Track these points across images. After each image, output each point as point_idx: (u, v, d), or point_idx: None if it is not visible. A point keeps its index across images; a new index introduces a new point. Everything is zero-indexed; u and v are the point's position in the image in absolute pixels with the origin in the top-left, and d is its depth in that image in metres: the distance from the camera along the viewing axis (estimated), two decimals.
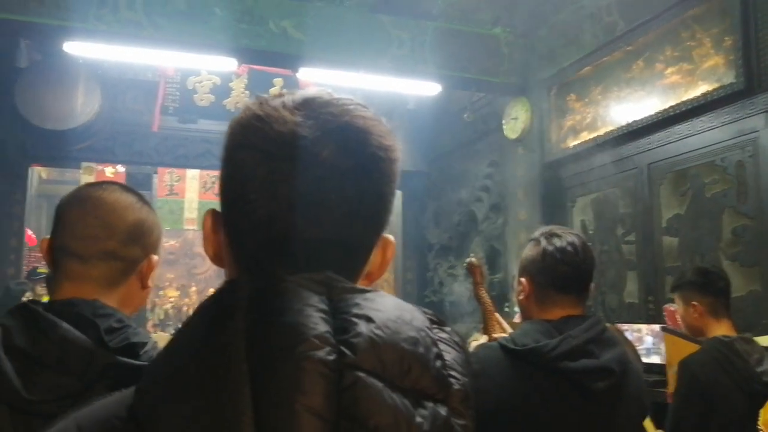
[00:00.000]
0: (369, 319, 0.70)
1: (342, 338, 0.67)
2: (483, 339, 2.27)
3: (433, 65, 6.18)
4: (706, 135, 4.77)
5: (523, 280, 2.01)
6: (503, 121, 6.85)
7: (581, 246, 1.96)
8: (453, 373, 0.73)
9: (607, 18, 5.59)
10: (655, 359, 4.63)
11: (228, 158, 0.83)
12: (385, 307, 0.73)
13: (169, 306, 12.05)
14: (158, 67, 7.62)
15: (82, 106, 7.29)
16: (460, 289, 7.92)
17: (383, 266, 0.89)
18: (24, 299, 5.61)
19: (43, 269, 7.52)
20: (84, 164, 8.14)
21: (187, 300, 12.25)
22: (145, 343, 1.34)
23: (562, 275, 1.94)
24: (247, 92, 7.91)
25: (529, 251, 2.01)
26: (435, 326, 0.77)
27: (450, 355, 0.74)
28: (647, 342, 4.78)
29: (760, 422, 2.83)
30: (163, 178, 8.52)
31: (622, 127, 5.46)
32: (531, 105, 6.51)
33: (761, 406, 2.83)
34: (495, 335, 2.23)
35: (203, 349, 0.69)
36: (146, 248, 1.49)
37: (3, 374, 1.23)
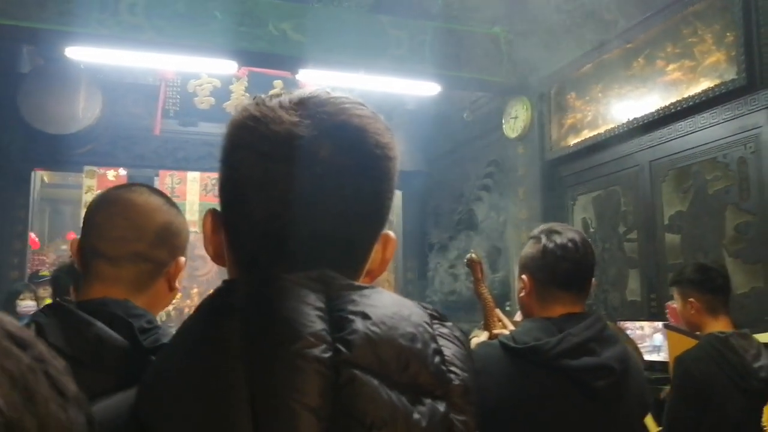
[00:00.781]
0: (365, 316, 0.70)
1: (338, 335, 0.68)
2: (484, 335, 2.25)
3: (433, 65, 6.17)
4: (707, 132, 4.75)
5: (524, 277, 2.00)
6: (503, 120, 6.84)
7: (581, 242, 1.95)
8: (453, 368, 0.73)
9: (607, 15, 5.56)
10: (658, 356, 4.61)
11: (226, 159, 0.83)
12: (383, 303, 0.73)
13: (171, 308, 12.10)
14: (159, 70, 7.65)
15: (84, 111, 7.33)
16: (460, 289, 7.91)
17: (384, 263, 0.89)
18: (19, 301, 5.58)
19: (46, 272, 7.54)
20: (86, 168, 8.22)
21: (188, 302, 12.31)
22: None
23: (563, 272, 1.93)
24: (247, 95, 7.91)
25: (529, 248, 2.00)
26: (436, 321, 0.77)
27: (450, 350, 0.74)
28: (656, 340, 4.76)
29: (764, 419, 2.80)
30: (164, 180, 8.54)
31: (623, 124, 5.44)
32: (531, 104, 6.50)
33: (761, 402, 2.81)
34: (496, 331, 2.22)
35: (201, 348, 0.70)
36: (174, 250, 1.49)
37: None
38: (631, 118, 5.36)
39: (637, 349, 4.10)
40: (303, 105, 0.81)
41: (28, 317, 1.43)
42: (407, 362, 0.69)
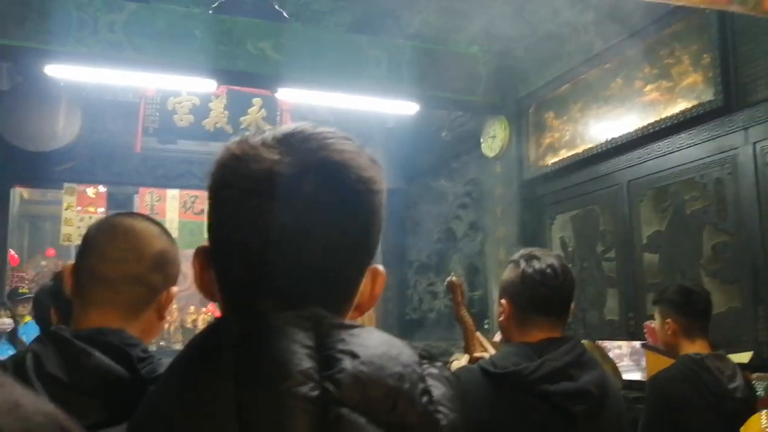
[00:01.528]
0: (354, 355, 0.71)
1: (327, 374, 0.69)
2: (464, 359, 2.25)
3: (411, 85, 6.19)
4: (685, 152, 4.79)
5: (503, 301, 2.02)
6: (481, 140, 6.87)
7: (561, 268, 1.97)
8: (441, 408, 0.73)
9: (585, 36, 5.61)
10: (637, 376, 4.62)
11: (211, 198, 0.84)
12: (372, 342, 0.74)
13: None
14: (138, 88, 7.62)
15: (64, 128, 7.30)
16: (439, 306, 7.91)
17: (373, 298, 0.89)
18: None
19: (25, 290, 7.48)
20: (66, 185, 8.22)
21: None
22: None
23: (542, 297, 1.94)
24: (226, 112, 7.91)
25: (509, 273, 2.01)
26: (425, 361, 0.77)
27: (439, 390, 0.75)
28: (633, 359, 4.76)
29: None
30: (144, 198, 8.52)
31: (602, 144, 5.47)
32: (509, 123, 6.53)
33: (736, 422, 2.81)
34: (476, 354, 2.22)
35: (192, 386, 0.71)
36: (168, 278, 1.51)
37: None
38: (609, 138, 5.39)
39: (616, 368, 4.11)
40: (285, 142, 0.81)
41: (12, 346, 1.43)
42: (395, 402, 0.70)
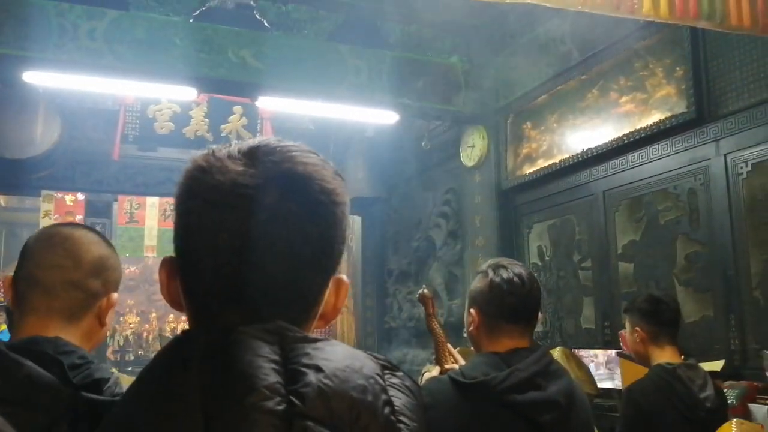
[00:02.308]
0: (318, 369, 0.73)
1: (292, 388, 0.70)
2: (435, 370, 2.27)
3: (391, 94, 6.22)
4: (659, 163, 4.86)
5: (472, 311, 2.05)
6: (460, 149, 6.92)
7: (528, 277, 2.01)
8: (402, 418, 0.75)
9: (562, 48, 5.67)
10: (612, 384, 4.67)
11: (177, 208, 0.86)
12: (335, 356, 0.76)
13: (129, 332, 11.99)
14: (118, 95, 7.59)
15: (42, 135, 7.26)
16: (419, 315, 7.93)
17: (337, 307, 0.91)
18: None
19: (0, 298, 7.40)
20: (44, 192, 8.14)
21: (147, 326, 12.22)
22: (108, 379, 1.37)
23: (510, 306, 1.98)
24: (206, 120, 7.90)
25: (477, 283, 2.05)
26: (387, 371, 0.80)
27: (400, 400, 0.77)
28: (608, 367, 4.81)
29: None
30: (123, 205, 8.48)
31: (578, 154, 5.53)
32: (488, 133, 6.58)
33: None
34: (447, 366, 2.25)
35: (159, 400, 0.72)
36: (107, 284, 1.53)
37: None
38: (585, 149, 5.45)
39: (590, 376, 4.15)
40: (250, 154, 0.83)
41: None
42: (358, 414, 0.72)
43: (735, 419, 2.86)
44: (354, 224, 9.18)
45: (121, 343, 11.75)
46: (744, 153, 4.25)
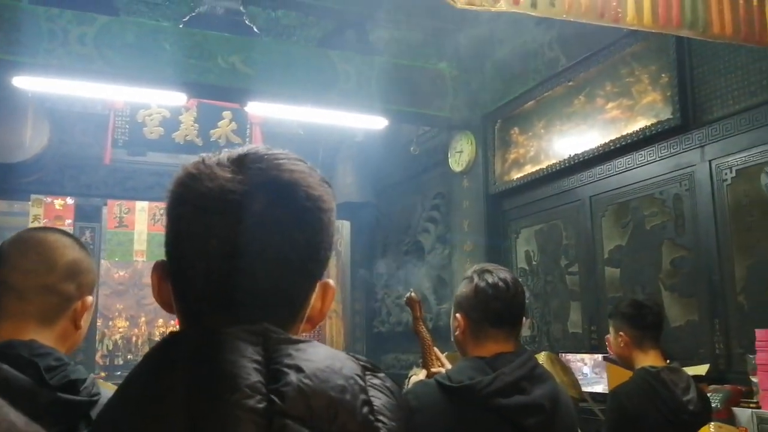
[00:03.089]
0: (299, 369, 0.75)
1: (273, 387, 0.73)
2: (422, 373, 2.30)
3: (380, 99, 6.25)
4: (645, 168, 4.90)
5: (458, 316, 2.08)
6: (449, 154, 6.95)
7: (512, 282, 2.04)
8: (381, 417, 0.77)
9: (549, 54, 5.72)
10: (598, 388, 4.70)
11: (167, 214, 0.88)
12: (317, 357, 0.78)
13: (118, 336, 11.94)
14: (108, 100, 7.57)
15: (31, 140, 7.25)
16: (407, 319, 7.93)
17: (323, 311, 0.92)
18: None
19: None
20: (33, 197, 8.08)
21: (136, 330, 12.16)
22: (84, 380, 1.38)
23: (495, 310, 2.00)
24: (196, 125, 7.89)
25: (463, 288, 2.08)
26: (368, 372, 0.82)
27: (380, 400, 0.79)
28: (590, 371, 4.85)
29: None
30: (113, 210, 8.45)
31: (565, 160, 5.57)
32: (476, 138, 6.61)
33: None
34: (433, 370, 2.27)
35: (146, 401, 0.74)
36: (81, 287, 1.53)
37: None
38: (572, 154, 5.49)
39: (576, 381, 4.18)
40: (239, 162, 0.86)
41: None
42: (336, 413, 0.74)
43: (713, 423, 2.91)
44: (343, 229, 9.19)
45: (110, 348, 11.70)
46: (728, 159, 4.30)
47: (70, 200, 8.35)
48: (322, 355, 0.79)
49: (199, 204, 0.83)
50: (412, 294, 2.43)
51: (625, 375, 3.26)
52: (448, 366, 2.26)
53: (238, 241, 0.81)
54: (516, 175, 6.21)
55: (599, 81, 5.29)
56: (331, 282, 0.93)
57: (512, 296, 2.02)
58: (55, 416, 1.28)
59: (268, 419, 0.70)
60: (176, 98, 6.09)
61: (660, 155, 4.77)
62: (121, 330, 12.07)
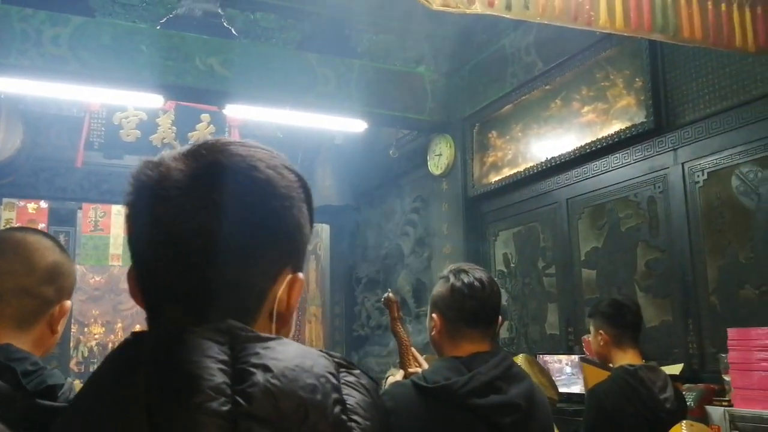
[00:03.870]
0: (266, 369, 0.72)
1: (238, 388, 0.70)
2: (399, 374, 2.31)
3: (359, 102, 6.27)
4: (620, 171, 4.96)
5: (434, 315, 2.09)
6: (428, 157, 6.98)
7: (488, 281, 2.06)
8: (354, 417, 0.75)
9: (527, 58, 5.77)
10: (575, 389, 4.74)
11: (126, 211, 0.86)
12: (286, 355, 0.75)
13: (93, 343, 11.81)
14: (84, 102, 7.50)
15: (4, 142, 7.14)
16: (387, 322, 7.93)
17: (291, 305, 0.88)
18: None
19: None
20: (5, 200, 7.99)
21: (112, 336, 12.04)
22: (62, 385, 1.35)
23: (470, 309, 2.02)
24: (173, 128, 7.86)
25: (439, 288, 2.10)
26: (343, 370, 0.80)
27: (354, 398, 0.77)
28: (568, 372, 4.89)
29: None
30: (88, 213, 8.40)
31: (542, 163, 5.62)
32: (454, 142, 6.65)
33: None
34: (411, 370, 2.28)
35: (107, 401, 0.72)
36: (60, 291, 1.50)
37: None
38: (548, 157, 5.54)
39: (552, 382, 4.21)
40: (193, 152, 0.84)
41: None
42: (306, 413, 0.71)
43: (685, 421, 2.94)
44: (322, 232, 9.19)
45: (86, 354, 11.58)
46: (700, 162, 4.36)
47: (44, 204, 8.27)
48: (291, 353, 0.76)
49: (150, 195, 0.81)
50: (390, 294, 2.44)
51: (601, 375, 3.31)
52: (426, 366, 2.27)
53: (182, 230, 0.79)
54: (494, 178, 6.25)
55: (575, 85, 5.34)
56: (300, 275, 0.89)
57: (488, 296, 2.04)
58: (33, 422, 1.26)
59: (233, 422, 0.68)
60: (153, 100, 6.05)
61: (635, 158, 4.83)
62: (96, 336, 11.93)
